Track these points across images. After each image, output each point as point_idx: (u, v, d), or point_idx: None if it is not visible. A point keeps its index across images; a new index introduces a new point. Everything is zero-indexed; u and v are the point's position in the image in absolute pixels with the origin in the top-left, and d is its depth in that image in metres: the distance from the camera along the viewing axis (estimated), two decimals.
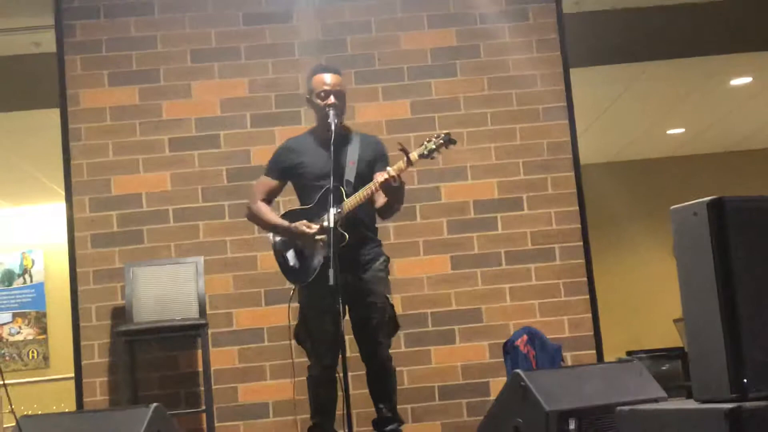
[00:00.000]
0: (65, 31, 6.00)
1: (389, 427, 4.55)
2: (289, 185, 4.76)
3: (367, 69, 6.03)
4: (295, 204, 4.69)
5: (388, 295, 4.55)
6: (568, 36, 6.17)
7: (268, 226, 4.68)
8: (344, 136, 4.59)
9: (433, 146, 4.34)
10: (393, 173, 4.29)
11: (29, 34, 6.56)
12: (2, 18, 6.34)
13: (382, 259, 4.59)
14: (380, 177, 4.32)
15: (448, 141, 4.37)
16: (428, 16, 6.14)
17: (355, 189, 4.41)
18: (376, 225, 4.68)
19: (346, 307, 4.49)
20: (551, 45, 6.13)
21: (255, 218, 4.75)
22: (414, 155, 4.31)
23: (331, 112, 4.49)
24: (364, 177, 4.48)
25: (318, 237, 4.38)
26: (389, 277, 4.66)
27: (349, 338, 4.34)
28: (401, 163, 4.31)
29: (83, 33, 6.01)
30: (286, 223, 4.54)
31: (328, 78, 4.59)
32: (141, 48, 6.02)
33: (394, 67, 6.07)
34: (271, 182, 4.72)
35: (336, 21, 6.10)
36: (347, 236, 4.27)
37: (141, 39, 6.03)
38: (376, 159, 4.61)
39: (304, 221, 4.46)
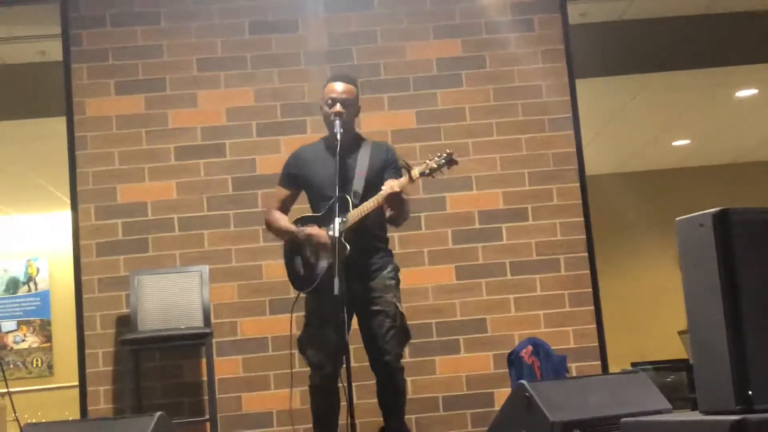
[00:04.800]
0: (72, 40, 6.01)
1: None
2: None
3: (372, 79, 6.04)
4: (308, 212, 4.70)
5: (398, 304, 4.53)
6: (573, 47, 6.17)
7: (278, 231, 4.69)
8: (354, 144, 4.60)
9: (435, 165, 4.35)
10: (397, 189, 4.28)
11: (36, 43, 6.59)
12: (9, 27, 6.37)
13: (390, 267, 4.58)
14: (385, 191, 4.31)
15: (450, 161, 4.37)
16: (434, 26, 6.15)
17: (363, 199, 4.40)
18: (387, 234, 4.68)
19: (353, 317, 4.50)
20: (557, 56, 6.14)
21: (269, 226, 4.77)
22: (415, 172, 4.32)
23: (337, 122, 4.49)
24: (373, 186, 4.46)
25: (322, 241, 4.38)
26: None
27: (353, 348, 4.33)
28: (404, 179, 4.31)
29: (90, 42, 6.03)
30: (293, 227, 4.56)
31: (339, 86, 4.60)
32: (147, 57, 6.03)
33: (400, 77, 6.08)
34: (283, 191, 4.75)
35: (342, 31, 6.12)
36: (348, 247, 4.24)
37: (147, 48, 6.04)
38: (386, 167, 4.61)
39: (314, 226, 4.47)
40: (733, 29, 7.20)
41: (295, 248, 4.57)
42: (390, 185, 4.31)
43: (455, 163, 4.39)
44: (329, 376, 4.42)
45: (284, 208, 4.73)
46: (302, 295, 4.58)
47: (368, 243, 4.48)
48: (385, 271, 4.55)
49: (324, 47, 6.08)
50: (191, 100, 6.02)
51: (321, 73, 5.75)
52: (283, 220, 4.67)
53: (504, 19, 6.16)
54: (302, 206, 4.78)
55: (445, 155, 4.36)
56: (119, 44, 6.04)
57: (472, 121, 6.05)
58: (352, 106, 4.61)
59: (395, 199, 4.32)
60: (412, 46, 6.14)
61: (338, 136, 4.44)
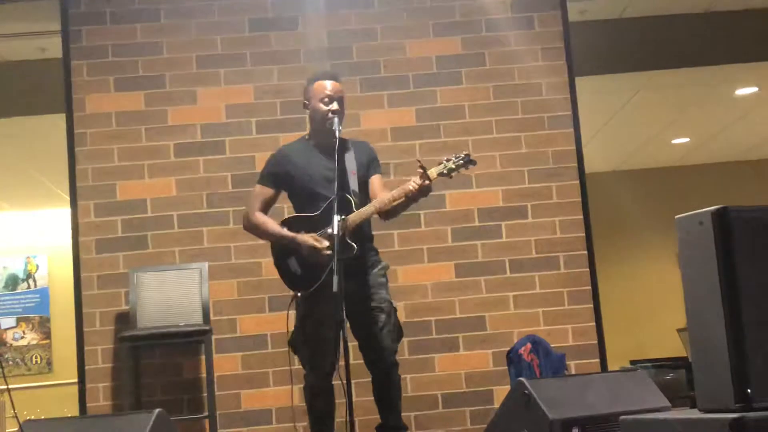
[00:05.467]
0: (71, 37, 6.01)
1: None
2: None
3: (372, 76, 6.03)
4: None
5: (391, 300, 4.53)
6: (573, 45, 6.17)
7: (270, 236, 4.59)
8: (342, 144, 4.57)
9: (453, 166, 4.32)
10: (414, 188, 4.25)
11: (36, 40, 6.58)
12: (9, 23, 6.36)
13: (381, 265, 4.57)
14: (417, 181, 4.26)
15: (469, 162, 4.35)
16: (434, 24, 6.15)
17: (360, 199, 4.40)
18: (373, 233, 4.66)
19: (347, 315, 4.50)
20: (557, 53, 6.14)
21: (255, 229, 4.65)
22: (433, 173, 4.28)
23: (336, 120, 4.47)
24: (363, 185, 4.49)
25: (326, 252, 4.31)
26: (390, 285, 4.63)
27: (351, 345, 4.32)
28: (419, 179, 4.27)
29: (89, 38, 6.03)
30: (291, 234, 4.47)
31: (330, 84, 4.57)
32: (147, 54, 6.03)
33: (400, 75, 6.08)
34: (266, 191, 4.65)
35: (342, 28, 6.11)
36: (356, 247, 4.24)
37: (147, 45, 6.04)
38: (369, 164, 4.60)
39: (313, 234, 4.39)
40: (734, 27, 7.20)
41: (286, 249, 4.50)
42: (416, 181, 4.25)
43: (474, 163, 4.38)
44: (326, 376, 4.42)
45: (266, 208, 4.63)
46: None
47: (360, 242, 4.46)
48: (376, 269, 4.53)
49: (324, 44, 6.08)
50: (191, 97, 6.01)
51: (314, 71, 5.76)
52: (273, 224, 4.56)
53: (504, 17, 6.15)
54: (288, 205, 4.76)
55: (463, 155, 4.34)
56: (119, 41, 6.04)
57: (472, 118, 6.05)
58: (343, 104, 4.59)
59: (426, 191, 4.28)
60: (411, 44, 6.13)
61: (337, 134, 4.42)
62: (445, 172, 4.32)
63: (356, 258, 4.35)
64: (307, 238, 4.39)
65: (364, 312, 4.46)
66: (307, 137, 4.69)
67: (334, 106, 4.51)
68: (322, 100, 4.53)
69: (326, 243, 4.32)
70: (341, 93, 4.57)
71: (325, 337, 4.29)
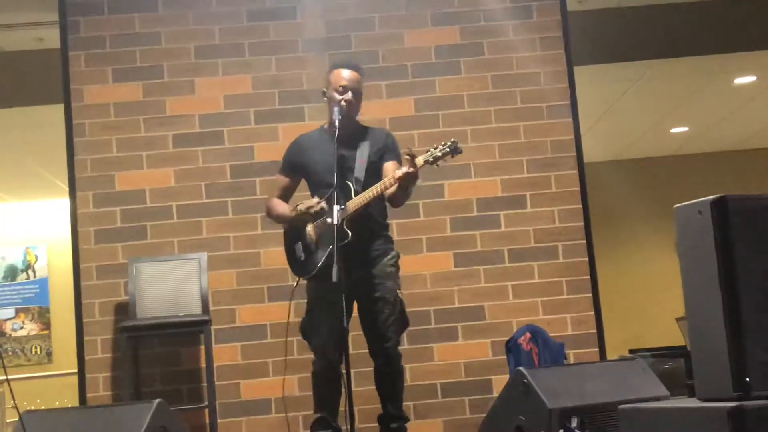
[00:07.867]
0: (69, 27, 6.00)
1: (394, 424, 4.55)
2: None
3: (371, 66, 5.99)
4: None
5: (398, 291, 4.54)
6: (572, 34, 6.16)
7: (278, 218, 4.73)
8: (355, 132, 4.59)
9: (439, 154, 4.32)
10: (400, 175, 4.26)
11: (33, 30, 6.57)
12: (7, 13, 6.35)
13: (392, 254, 4.59)
14: (399, 172, 4.29)
15: (455, 150, 4.34)
16: (432, 13, 6.14)
17: (365, 187, 4.40)
18: (387, 221, 4.68)
19: (354, 304, 4.51)
20: (555, 43, 6.13)
21: (269, 213, 4.80)
22: (419, 160, 4.29)
23: (336, 110, 4.48)
24: (374, 174, 4.48)
25: (316, 209, 4.38)
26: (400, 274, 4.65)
27: (353, 335, 4.34)
28: (407, 167, 4.28)
29: (87, 29, 6.01)
30: (287, 210, 4.59)
31: (349, 74, 4.59)
32: (145, 44, 6.02)
33: (398, 65, 6.07)
34: (283, 179, 4.77)
35: (340, 18, 6.10)
36: (350, 234, 4.26)
37: (145, 35, 6.03)
38: (384, 152, 4.61)
39: (302, 202, 4.50)
40: (732, 16, 7.19)
41: (294, 235, 4.59)
42: (403, 169, 4.27)
43: (460, 151, 4.37)
44: (332, 363, 4.43)
45: (284, 196, 4.74)
46: (302, 281, 4.59)
47: (369, 230, 4.49)
48: (386, 258, 4.56)
49: (322, 34, 6.07)
50: (189, 87, 6.01)
51: (319, 61, 5.76)
52: (281, 206, 4.69)
53: (502, 7, 6.14)
54: (305, 193, 4.78)
55: (449, 144, 4.34)
56: (117, 31, 6.02)
57: (471, 108, 6.04)
58: (359, 94, 4.61)
59: (411, 178, 4.29)
60: (410, 34, 6.12)
61: (337, 123, 4.43)
62: (431, 160, 4.32)
63: (364, 245, 4.38)
64: (299, 205, 4.49)
65: (369, 302, 4.49)
66: (325, 126, 4.72)
67: (348, 96, 4.53)
68: (336, 89, 4.57)
69: (314, 202, 4.42)
70: (357, 83, 4.59)
71: (331, 326, 4.30)
